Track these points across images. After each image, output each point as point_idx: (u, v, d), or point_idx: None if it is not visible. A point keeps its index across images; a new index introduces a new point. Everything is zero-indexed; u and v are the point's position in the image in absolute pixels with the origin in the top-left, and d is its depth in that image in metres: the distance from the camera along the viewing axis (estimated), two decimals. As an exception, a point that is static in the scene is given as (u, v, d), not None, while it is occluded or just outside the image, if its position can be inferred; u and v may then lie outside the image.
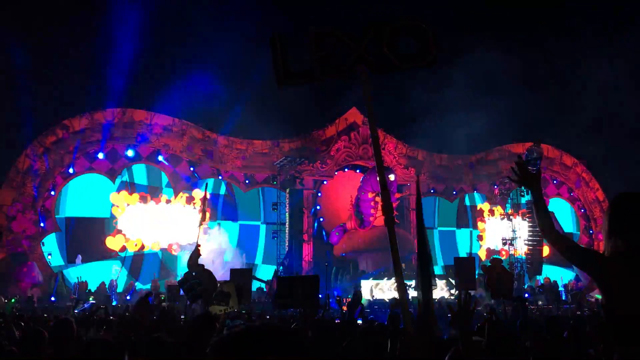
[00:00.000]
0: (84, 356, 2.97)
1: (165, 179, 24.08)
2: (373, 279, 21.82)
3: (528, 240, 25.71)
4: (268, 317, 12.80)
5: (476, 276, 16.04)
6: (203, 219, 12.73)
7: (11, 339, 4.80)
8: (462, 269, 16.40)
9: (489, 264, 12.05)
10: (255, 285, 19.38)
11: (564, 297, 22.67)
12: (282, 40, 2.77)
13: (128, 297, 20.03)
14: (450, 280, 21.84)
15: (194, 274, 9.87)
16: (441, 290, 21.00)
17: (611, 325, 2.38)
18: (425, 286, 4.65)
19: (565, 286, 24.89)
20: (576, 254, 2.63)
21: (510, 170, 2.85)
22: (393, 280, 21.68)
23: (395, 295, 20.70)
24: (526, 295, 20.97)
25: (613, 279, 2.38)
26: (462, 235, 29.85)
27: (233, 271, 14.37)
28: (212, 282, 9.51)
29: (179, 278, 21.20)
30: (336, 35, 2.84)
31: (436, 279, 20.66)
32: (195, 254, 10.31)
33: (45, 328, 4.87)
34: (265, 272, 24.10)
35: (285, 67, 2.75)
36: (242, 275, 13.83)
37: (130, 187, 23.23)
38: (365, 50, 2.79)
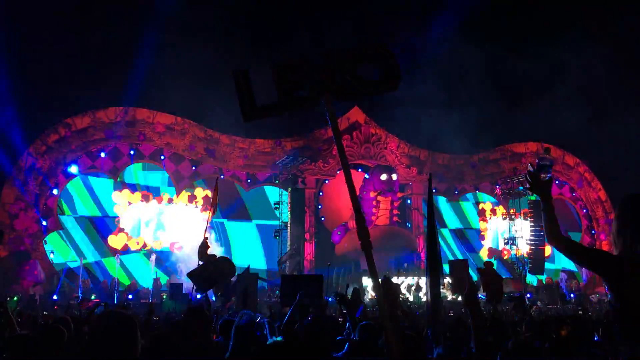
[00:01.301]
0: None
1: (167, 177, 24.12)
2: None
3: (530, 239, 25.68)
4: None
5: (474, 278, 16.03)
6: (214, 212, 12.70)
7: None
8: (456, 272, 16.43)
9: (484, 267, 12.11)
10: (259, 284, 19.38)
11: (567, 297, 22.63)
12: (245, 75, 2.84)
13: (130, 297, 20.08)
14: (449, 279, 21.82)
15: (200, 263, 9.92)
16: (442, 290, 20.97)
17: (621, 323, 2.39)
18: (435, 285, 4.66)
19: (568, 286, 24.90)
20: (585, 258, 2.68)
21: (524, 178, 2.92)
22: (394, 278, 21.68)
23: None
24: (528, 295, 20.97)
25: (623, 278, 2.40)
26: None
27: (239, 275, 13.68)
28: (221, 272, 9.50)
29: (179, 276, 21.36)
30: (299, 67, 2.88)
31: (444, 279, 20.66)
32: (203, 245, 10.35)
33: (44, 327, 4.90)
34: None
35: (250, 101, 2.81)
36: (247, 279, 13.26)
37: (133, 185, 23.29)
38: (329, 78, 2.83)
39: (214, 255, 10.31)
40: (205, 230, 11.08)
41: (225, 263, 9.97)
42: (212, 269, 9.32)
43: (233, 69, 2.86)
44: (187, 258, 21.92)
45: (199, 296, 10.08)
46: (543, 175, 2.80)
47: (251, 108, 2.83)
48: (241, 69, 2.88)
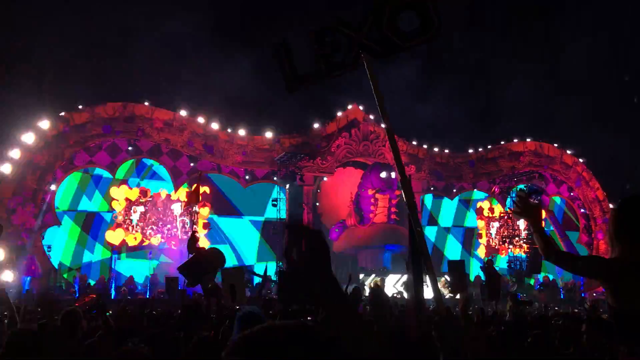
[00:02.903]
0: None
1: (165, 173, 24.09)
2: (373, 276, 21.82)
3: (527, 238, 25.72)
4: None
5: (472, 278, 16.11)
6: (193, 200, 12.57)
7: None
8: (454, 272, 16.45)
9: (486, 265, 12.17)
10: (256, 280, 19.41)
11: (562, 296, 22.71)
12: (285, 46, 2.75)
13: (122, 285, 20.10)
14: (447, 278, 21.86)
15: (190, 255, 9.89)
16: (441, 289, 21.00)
17: (619, 325, 2.40)
18: (418, 283, 4.64)
19: (565, 284, 24.93)
20: (581, 267, 2.72)
21: (513, 202, 2.90)
22: (393, 276, 21.74)
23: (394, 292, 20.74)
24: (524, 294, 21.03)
25: (620, 279, 2.41)
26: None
27: (224, 271, 13.52)
28: (209, 262, 9.42)
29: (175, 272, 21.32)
30: (336, 29, 2.78)
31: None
32: (192, 238, 10.31)
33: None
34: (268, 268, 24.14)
35: (292, 71, 2.72)
36: (232, 275, 13.13)
37: (131, 181, 23.27)
38: (366, 37, 2.71)
39: (203, 248, 10.26)
40: (195, 224, 11.06)
41: (214, 253, 9.91)
42: (201, 260, 9.25)
43: (272, 42, 2.77)
44: (184, 253, 21.85)
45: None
46: (533, 199, 2.80)
47: (294, 78, 2.75)
48: (279, 41, 2.80)
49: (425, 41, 2.88)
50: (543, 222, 2.78)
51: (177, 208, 23.49)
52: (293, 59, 2.78)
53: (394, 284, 21.25)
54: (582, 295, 22.49)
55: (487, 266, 12.66)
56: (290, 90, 2.79)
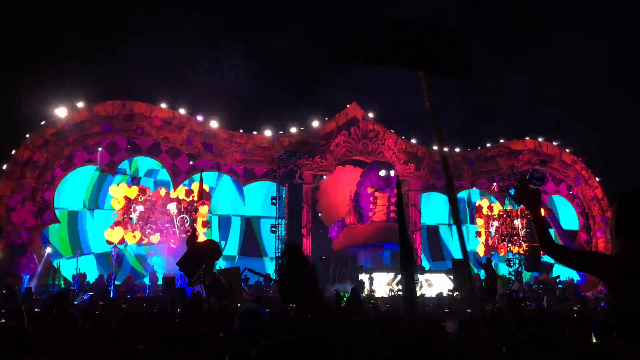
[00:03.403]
0: None
1: (164, 171, 24.08)
2: (371, 274, 21.82)
3: (526, 237, 25.75)
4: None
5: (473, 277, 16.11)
6: (202, 203, 12.63)
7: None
8: (458, 272, 16.51)
9: (485, 262, 12.22)
10: (254, 278, 19.41)
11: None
12: (351, 21, 2.67)
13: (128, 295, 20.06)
14: (449, 277, 21.90)
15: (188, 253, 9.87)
16: (440, 287, 21.01)
17: (619, 322, 2.39)
18: (409, 280, 4.66)
19: (562, 282, 24.98)
20: (578, 262, 2.67)
21: (513, 187, 2.85)
22: (392, 274, 21.75)
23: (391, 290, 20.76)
24: (522, 293, 21.06)
25: (620, 277, 2.39)
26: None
27: (221, 271, 13.52)
28: (205, 253, 9.41)
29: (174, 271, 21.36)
30: (405, 28, 2.76)
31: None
32: (192, 235, 10.31)
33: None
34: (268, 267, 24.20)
35: (347, 41, 2.62)
36: (227, 275, 13.16)
37: (129, 179, 23.26)
38: (427, 47, 2.73)
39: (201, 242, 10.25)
40: (195, 221, 11.03)
41: (209, 245, 9.89)
42: (196, 251, 9.23)
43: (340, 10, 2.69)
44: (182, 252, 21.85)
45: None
46: (533, 185, 2.76)
47: (344, 49, 2.67)
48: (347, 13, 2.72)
49: (456, 74, 2.95)
50: (543, 211, 2.76)
51: (175, 206, 23.48)
52: (352, 30, 2.67)
53: (393, 282, 21.26)
54: (582, 294, 22.51)
55: (486, 264, 12.71)
56: (333, 58, 2.72)
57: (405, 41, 2.75)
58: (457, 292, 19.18)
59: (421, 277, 21.31)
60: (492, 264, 16.39)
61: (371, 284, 21.01)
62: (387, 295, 20.45)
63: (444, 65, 2.86)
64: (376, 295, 19.99)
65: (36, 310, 12.20)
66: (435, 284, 21.44)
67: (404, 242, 5.06)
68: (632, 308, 2.33)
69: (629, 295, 2.35)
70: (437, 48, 2.78)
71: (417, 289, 18.12)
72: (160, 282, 20.87)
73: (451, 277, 21.40)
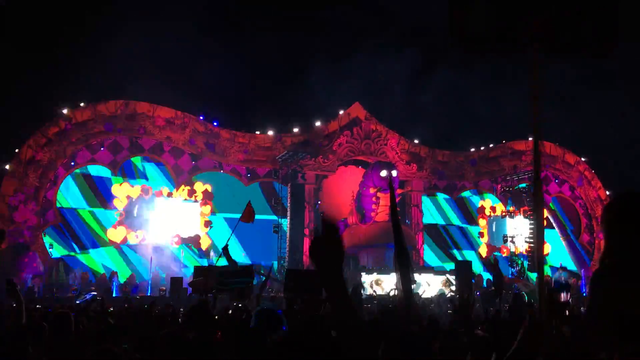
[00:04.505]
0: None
1: (167, 171, 24.09)
2: (373, 274, 21.77)
3: (529, 237, 25.67)
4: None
5: (472, 280, 16.12)
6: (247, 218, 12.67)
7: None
8: (461, 273, 16.46)
9: (492, 262, 12.20)
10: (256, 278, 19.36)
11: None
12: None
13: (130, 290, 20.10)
14: (449, 277, 21.83)
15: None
16: (441, 287, 20.96)
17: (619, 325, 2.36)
18: (406, 281, 4.63)
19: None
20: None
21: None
22: (394, 275, 21.69)
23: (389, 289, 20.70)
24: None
25: (615, 284, 2.33)
26: (464, 232, 29.85)
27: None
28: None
29: (187, 270, 21.41)
30: (514, 6, 2.54)
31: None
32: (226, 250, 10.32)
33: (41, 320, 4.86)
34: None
35: (463, 25, 2.48)
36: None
37: (132, 179, 23.27)
38: (542, 26, 2.47)
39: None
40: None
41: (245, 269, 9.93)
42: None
43: None
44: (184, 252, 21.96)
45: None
46: (562, 295, 2.55)
47: (461, 35, 2.51)
48: None
49: (597, 55, 2.63)
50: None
51: (178, 206, 23.51)
52: (471, 12, 2.50)
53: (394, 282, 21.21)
54: (584, 294, 22.44)
55: (494, 264, 12.69)
56: (453, 43, 2.56)
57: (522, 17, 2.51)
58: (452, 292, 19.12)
59: (420, 278, 21.23)
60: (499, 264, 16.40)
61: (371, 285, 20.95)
62: (387, 295, 20.38)
63: (574, 41, 2.56)
64: (377, 293, 19.93)
65: (37, 306, 12.24)
66: (435, 284, 21.38)
67: (398, 242, 5.03)
68: (628, 311, 2.29)
69: (624, 299, 2.30)
70: (562, 21, 2.50)
71: (420, 291, 18.07)
72: (163, 282, 20.88)
73: (447, 277, 21.35)
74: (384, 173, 24.60)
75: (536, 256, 2.48)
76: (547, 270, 26.71)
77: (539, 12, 2.50)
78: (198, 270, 12.57)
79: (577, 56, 2.74)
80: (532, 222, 25.48)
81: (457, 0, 2.57)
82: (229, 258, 9.97)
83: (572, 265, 28.13)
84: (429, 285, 21.38)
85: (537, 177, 2.50)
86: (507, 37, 2.59)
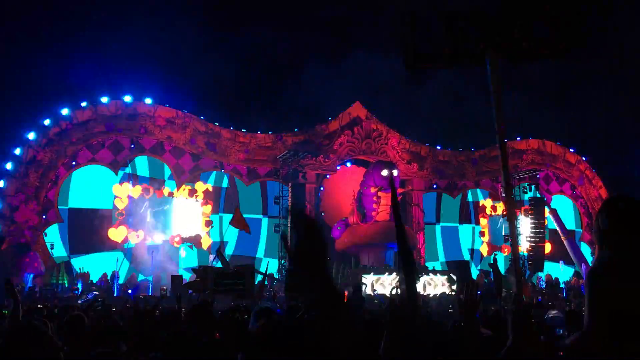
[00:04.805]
0: None
1: (168, 171, 24.10)
2: (374, 274, 21.79)
3: (530, 237, 25.65)
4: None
5: (474, 277, 16.12)
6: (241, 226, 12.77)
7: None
8: (461, 272, 16.50)
9: (492, 262, 12.20)
10: (257, 278, 19.38)
11: (565, 295, 22.63)
12: (412, 18, 2.54)
13: (130, 291, 20.07)
14: (452, 276, 21.84)
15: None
16: (442, 286, 20.98)
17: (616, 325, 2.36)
18: (410, 279, 4.63)
19: (566, 283, 24.88)
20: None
21: None
22: (394, 275, 21.70)
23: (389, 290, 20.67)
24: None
25: (611, 284, 2.35)
26: (464, 232, 29.82)
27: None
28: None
29: (179, 271, 21.41)
30: (467, 17, 2.61)
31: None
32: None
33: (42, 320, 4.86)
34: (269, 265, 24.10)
35: (414, 49, 2.53)
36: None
37: (133, 179, 23.27)
38: (498, 34, 2.53)
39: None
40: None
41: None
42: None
43: (401, 13, 2.58)
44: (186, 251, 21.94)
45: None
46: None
47: (415, 56, 2.57)
48: (408, 11, 2.57)
49: (554, 54, 2.68)
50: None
51: (179, 206, 23.52)
52: (417, 36, 2.57)
53: (394, 281, 21.22)
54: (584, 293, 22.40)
55: (493, 264, 12.67)
56: (408, 66, 2.61)
57: (472, 31, 2.58)
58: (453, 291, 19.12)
59: (423, 278, 21.26)
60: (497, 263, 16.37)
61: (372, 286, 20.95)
62: (388, 295, 20.39)
63: (530, 47, 2.62)
64: (378, 292, 19.94)
65: (39, 306, 12.24)
66: (437, 284, 21.40)
67: (401, 242, 5.02)
68: (624, 310, 2.30)
69: (620, 298, 2.31)
70: (515, 27, 2.56)
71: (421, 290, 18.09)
72: (164, 280, 20.86)
73: (451, 276, 21.36)
74: (384, 172, 24.61)
75: (512, 257, 2.56)
76: (548, 270, 26.72)
77: (492, 22, 2.55)
78: (196, 271, 12.59)
79: (535, 58, 2.77)
80: (533, 221, 25.49)
81: (408, 20, 2.61)
82: (223, 260, 10.02)
83: (570, 267, 28.07)
84: (431, 286, 21.40)
85: (508, 183, 2.62)
86: (460, 50, 2.63)
